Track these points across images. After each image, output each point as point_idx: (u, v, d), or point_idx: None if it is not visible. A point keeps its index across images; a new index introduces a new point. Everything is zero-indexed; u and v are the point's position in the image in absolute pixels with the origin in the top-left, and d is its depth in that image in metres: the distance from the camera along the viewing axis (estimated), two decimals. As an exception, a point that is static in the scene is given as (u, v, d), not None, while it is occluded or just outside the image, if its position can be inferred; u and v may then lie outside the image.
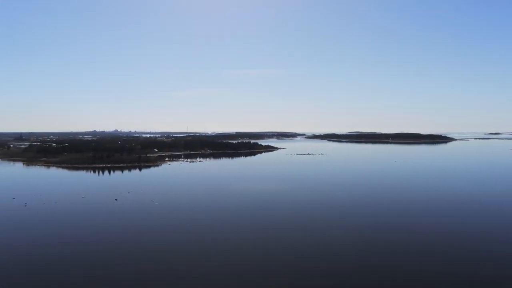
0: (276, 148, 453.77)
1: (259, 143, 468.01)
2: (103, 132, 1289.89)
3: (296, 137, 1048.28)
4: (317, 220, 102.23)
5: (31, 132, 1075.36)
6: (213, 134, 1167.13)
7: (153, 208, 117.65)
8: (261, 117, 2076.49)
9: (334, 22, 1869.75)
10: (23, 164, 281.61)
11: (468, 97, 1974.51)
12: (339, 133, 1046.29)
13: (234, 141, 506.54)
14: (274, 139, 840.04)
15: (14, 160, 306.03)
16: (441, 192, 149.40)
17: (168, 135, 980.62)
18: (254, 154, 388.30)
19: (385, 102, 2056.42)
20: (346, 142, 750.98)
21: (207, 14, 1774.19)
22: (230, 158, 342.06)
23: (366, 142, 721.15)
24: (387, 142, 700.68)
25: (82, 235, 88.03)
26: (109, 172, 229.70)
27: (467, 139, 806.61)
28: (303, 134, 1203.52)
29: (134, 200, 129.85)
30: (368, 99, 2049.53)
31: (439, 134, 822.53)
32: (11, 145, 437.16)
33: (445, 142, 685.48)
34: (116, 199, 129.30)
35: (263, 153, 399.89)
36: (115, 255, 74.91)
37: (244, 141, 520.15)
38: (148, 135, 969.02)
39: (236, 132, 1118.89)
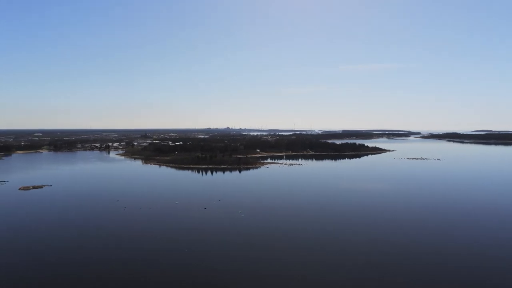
0: (384, 150, 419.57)
1: (365, 145, 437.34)
2: (216, 130, 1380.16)
3: (409, 136, 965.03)
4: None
5: (155, 129, 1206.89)
6: (320, 132, 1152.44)
7: (239, 221, 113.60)
8: (370, 114, 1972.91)
9: (456, 13, 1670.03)
10: (142, 161, 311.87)
11: None
12: (461, 132, 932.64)
13: (338, 141, 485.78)
14: (384, 139, 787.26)
15: (134, 158, 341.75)
16: None
17: (274, 133, 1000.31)
18: (359, 156, 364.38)
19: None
20: (471, 143, 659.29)
21: (313, 10, 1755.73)
22: (333, 161, 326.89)
23: (496, 144, 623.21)
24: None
25: (157, 247, 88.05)
26: (212, 173, 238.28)
27: None
28: (418, 133, 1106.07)
29: (222, 209, 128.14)
30: (498, 91, 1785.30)
31: None
32: (135, 143, 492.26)
33: None
34: (205, 208, 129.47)
35: (369, 156, 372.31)
36: (181, 270, 71.75)
37: (348, 141, 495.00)
38: (255, 133, 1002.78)
39: (342, 131, 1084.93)
